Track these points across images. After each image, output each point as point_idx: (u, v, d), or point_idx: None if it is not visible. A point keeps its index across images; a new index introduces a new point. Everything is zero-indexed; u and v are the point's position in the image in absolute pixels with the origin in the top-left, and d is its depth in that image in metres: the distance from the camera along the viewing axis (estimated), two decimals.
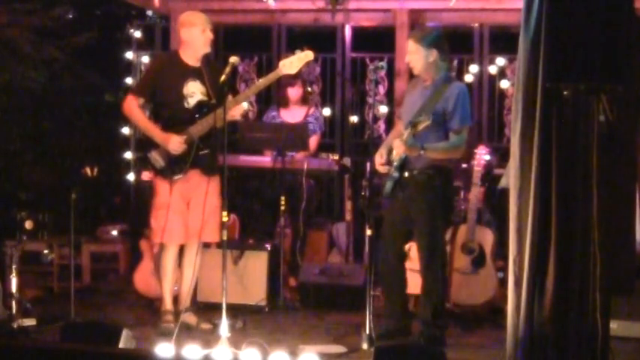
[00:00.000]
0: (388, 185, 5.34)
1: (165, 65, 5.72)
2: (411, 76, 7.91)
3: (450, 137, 5.27)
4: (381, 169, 5.37)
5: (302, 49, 5.63)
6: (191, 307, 5.74)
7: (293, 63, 5.52)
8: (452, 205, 5.76)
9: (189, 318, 5.63)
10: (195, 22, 5.61)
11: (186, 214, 5.60)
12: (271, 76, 5.62)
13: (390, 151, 5.36)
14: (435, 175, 5.28)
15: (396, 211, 5.40)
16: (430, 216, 5.30)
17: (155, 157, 5.55)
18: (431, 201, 5.29)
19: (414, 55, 5.33)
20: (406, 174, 5.30)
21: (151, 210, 5.69)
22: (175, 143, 5.47)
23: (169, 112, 5.59)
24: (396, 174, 5.30)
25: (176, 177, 5.53)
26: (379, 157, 5.38)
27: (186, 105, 5.56)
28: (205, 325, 5.63)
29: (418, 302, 6.15)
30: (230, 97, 5.34)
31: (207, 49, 5.62)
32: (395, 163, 5.30)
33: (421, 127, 5.10)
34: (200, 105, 5.55)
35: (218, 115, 5.36)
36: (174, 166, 5.53)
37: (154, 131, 5.57)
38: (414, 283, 6.06)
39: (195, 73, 5.58)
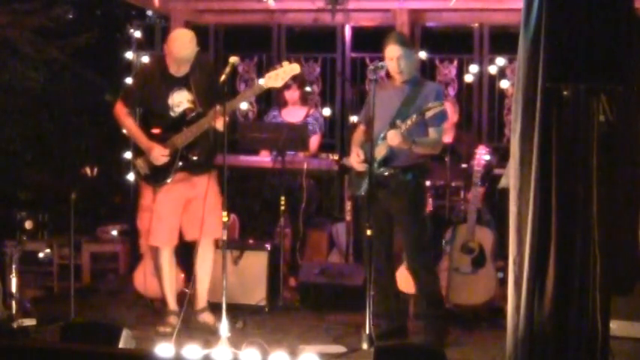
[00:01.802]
0: (365, 183, 5.35)
1: (150, 75, 5.67)
2: None
3: (430, 133, 5.34)
4: (360, 167, 5.39)
5: (290, 62, 5.59)
6: (208, 307, 5.72)
7: (279, 76, 5.47)
8: (427, 200, 5.87)
9: (207, 317, 5.62)
10: (170, 50, 5.48)
11: (174, 217, 5.60)
12: (256, 89, 5.59)
13: (367, 149, 5.36)
14: (418, 174, 5.37)
15: (378, 212, 5.39)
16: (415, 215, 5.39)
17: (140, 163, 5.59)
18: (415, 200, 5.38)
19: (405, 59, 5.36)
20: (386, 172, 5.31)
21: (137, 212, 5.74)
22: (157, 154, 5.48)
23: (156, 121, 5.60)
24: (381, 169, 5.30)
25: (159, 185, 5.55)
26: (356, 156, 5.40)
27: (172, 114, 5.55)
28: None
29: (417, 303, 6.17)
30: (217, 107, 5.31)
31: (177, 74, 5.51)
32: (378, 158, 5.30)
33: (432, 112, 5.17)
34: (185, 114, 5.53)
35: (207, 122, 5.39)
36: (158, 174, 5.55)
37: (141, 138, 5.59)
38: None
39: (181, 82, 5.54)
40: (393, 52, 5.36)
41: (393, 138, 5.19)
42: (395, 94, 5.42)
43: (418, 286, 5.49)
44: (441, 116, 5.34)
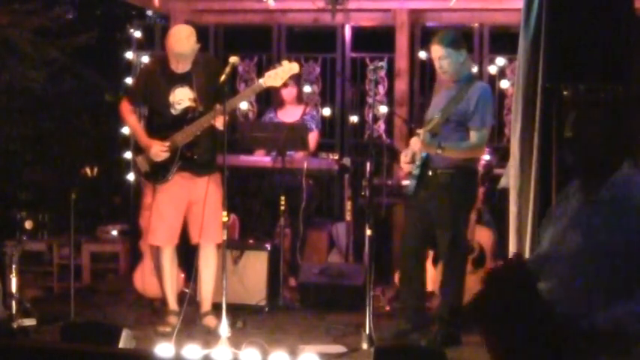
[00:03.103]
0: (411, 184, 5.34)
1: (153, 72, 5.67)
2: (412, 76, 7.98)
3: (471, 137, 5.25)
4: (406, 167, 5.38)
5: (289, 61, 5.60)
6: (211, 310, 5.70)
7: (278, 74, 5.47)
8: (473, 205, 5.69)
9: (210, 321, 5.61)
10: (169, 47, 5.46)
11: (175, 216, 5.59)
12: (255, 87, 5.61)
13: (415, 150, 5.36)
14: (457, 176, 5.25)
15: (416, 210, 5.39)
16: (451, 216, 5.27)
17: (140, 161, 5.60)
18: (453, 201, 5.26)
19: (446, 60, 5.26)
20: (429, 173, 5.29)
21: (140, 210, 5.77)
22: (156, 151, 5.48)
23: (158, 119, 5.61)
24: (416, 171, 5.29)
25: (159, 183, 5.55)
26: (404, 157, 5.39)
27: (173, 112, 5.54)
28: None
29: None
30: (217, 106, 5.32)
31: (178, 70, 5.49)
32: (417, 162, 5.29)
33: (431, 125, 5.16)
34: (186, 112, 5.54)
35: (207, 121, 5.39)
36: (158, 172, 5.55)
37: (141, 136, 5.60)
38: None
39: (183, 80, 5.53)
40: (434, 52, 5.31)
41: (414, 144, 5.23)
42: (445, 95, 5.38)
43: (440, 288, 5.48)
44: (482, 120, 5.22)
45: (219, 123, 5.29)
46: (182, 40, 5.45)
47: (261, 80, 5.54)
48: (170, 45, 5.46)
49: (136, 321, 5.82)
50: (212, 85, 5.42)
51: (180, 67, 5.50)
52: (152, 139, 5.52)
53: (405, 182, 5.64)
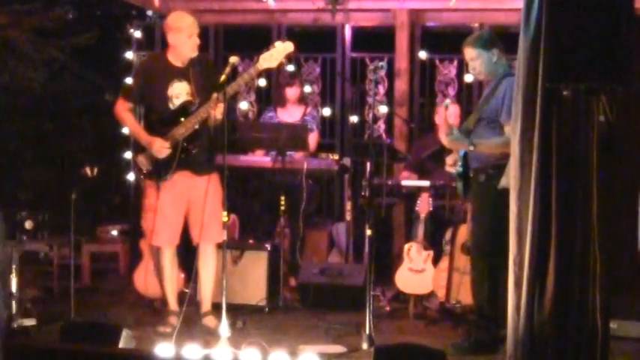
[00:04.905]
0: (458, 186, 5.32)
1: (151, 67, 5.69)
2: (412, 76, 7.99)
3: (504, 132, 5.12)
4: (450, 169, 5.36)
5: (283, 41, 5.57)
6: (211, 310, 5.69)
7: (273, 55, 5.45)
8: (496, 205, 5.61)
9: (210, 321, 5.61)
10: (181, 27, 5.50)
11: (177, 216, 5.59)
12: (252, 71, 5.58)
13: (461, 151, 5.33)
14: (495, 175, 5.09)
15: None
16: (482, 216, 5.20)
17: (141, 160, 5.58)
18: (481, 202, 5.21)
19: (477, 61, 5.20)
20: (471, 174, 5.25)
21: (141, 212, 5.74)
22: (159, 147, 5.47)
23: (155, 114, 5.61)
24: (459, 169, 5.22)
25: (162, 180, 5.53)
26: (449, 160, 5.36)
27: (171, 106, 5.54)
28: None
29: (417, 303, 6.18)
30: (214, 96, 5.31)
31: (193, 53, 5.52)
32: (459, 162, 5.26)
33: (465, 123, 5.25)
34: (184, 106, 5.53)
35: (205, 111, 5.40)
36: (160, 169, 5.53)
37: (140, 134, 5.59)
38: (415, 284, 6.08)
39: (181, 74, 5.54)
40: (466, 54, 5.26)
41: (443, 139, 5.24)
42: (484, 94, 5.38)
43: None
44: (510, 111, 5.13)
45: (219, 112, 5.30)
46: (186, 14, 5.56)
47: (260, 59, 5.51)
48: (185, 23, 5.49)
49: (136, 321, 5.81)
50: (208, 84, 5.44)
51: (195, 47, 5.54)
52: (152, 137, 5.52)
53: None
